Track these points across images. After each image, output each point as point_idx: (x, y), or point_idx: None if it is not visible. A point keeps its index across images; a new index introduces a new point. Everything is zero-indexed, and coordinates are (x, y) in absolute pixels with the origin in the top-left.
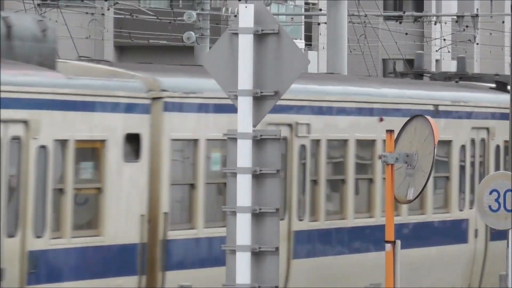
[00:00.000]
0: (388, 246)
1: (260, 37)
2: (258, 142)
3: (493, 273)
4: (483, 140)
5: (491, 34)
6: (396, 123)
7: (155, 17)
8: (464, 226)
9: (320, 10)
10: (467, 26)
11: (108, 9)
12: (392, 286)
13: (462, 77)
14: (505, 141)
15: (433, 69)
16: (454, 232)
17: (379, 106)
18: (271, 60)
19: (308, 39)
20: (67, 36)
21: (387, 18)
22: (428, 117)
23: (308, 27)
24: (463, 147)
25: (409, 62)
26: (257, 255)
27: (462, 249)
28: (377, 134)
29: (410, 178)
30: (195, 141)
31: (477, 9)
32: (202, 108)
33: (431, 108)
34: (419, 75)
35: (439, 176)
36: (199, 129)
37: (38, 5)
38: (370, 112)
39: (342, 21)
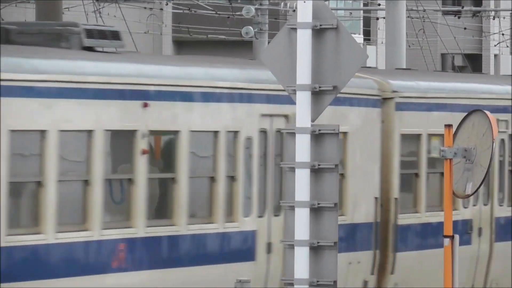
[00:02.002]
0: (447, 241)
1: (318, 32)
2: (317, 136)
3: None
4: None
5: None
6: None
7: (214, 12)
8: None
9: (379, 5)
10: None
11: (167, 4)
12: (451, 282)
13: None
14: None
15: (492, 64)
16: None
17: None
18: (329, 55)
19: (367, 34)
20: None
21: (445, 13)
22: (487, 112)
23: (367, 22)
24: None
25: (468, 57)
26: (316, 249)
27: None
28: None
29: (469, 173)
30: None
31: None
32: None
33: None
34: None
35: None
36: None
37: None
38: None
39: (401, 16)
